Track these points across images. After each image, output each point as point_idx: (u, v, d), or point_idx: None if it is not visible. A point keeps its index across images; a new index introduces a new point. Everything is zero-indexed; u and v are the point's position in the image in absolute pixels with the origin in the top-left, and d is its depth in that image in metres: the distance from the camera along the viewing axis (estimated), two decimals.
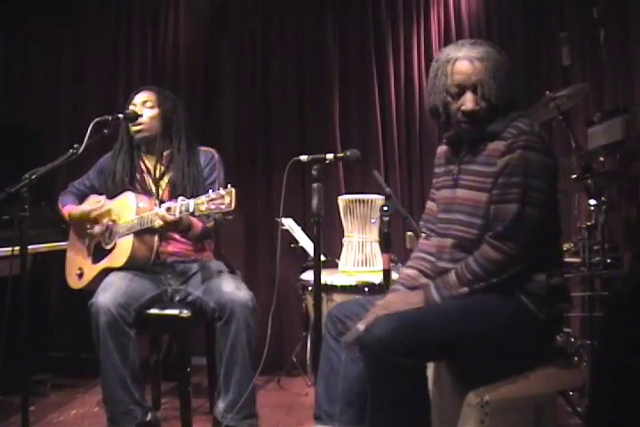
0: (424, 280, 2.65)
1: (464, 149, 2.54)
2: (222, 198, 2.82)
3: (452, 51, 2.46)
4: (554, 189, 2.42)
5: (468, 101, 2.41)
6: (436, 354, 2.34)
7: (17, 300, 2.87)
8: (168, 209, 3.05)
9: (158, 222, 3.09)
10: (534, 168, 2.33)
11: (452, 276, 2.41)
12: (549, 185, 2.37)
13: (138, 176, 3.49)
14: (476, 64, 2.39)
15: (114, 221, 3.36)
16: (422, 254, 2.72)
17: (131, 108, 3.46)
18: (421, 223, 2.81)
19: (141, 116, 3.44)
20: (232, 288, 3.24)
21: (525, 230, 2.33)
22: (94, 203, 3.44)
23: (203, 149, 3.58)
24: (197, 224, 3.31)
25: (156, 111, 3.48)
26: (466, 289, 2.37)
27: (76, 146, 3.02)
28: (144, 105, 3.47)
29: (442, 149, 2.72)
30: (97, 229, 3.43)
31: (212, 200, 2.84)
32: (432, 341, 2.24)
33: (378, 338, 2.19)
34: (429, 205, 2.77)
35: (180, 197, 3.04)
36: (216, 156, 3.56)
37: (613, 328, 2.12)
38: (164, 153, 3.50)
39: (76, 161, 3.13)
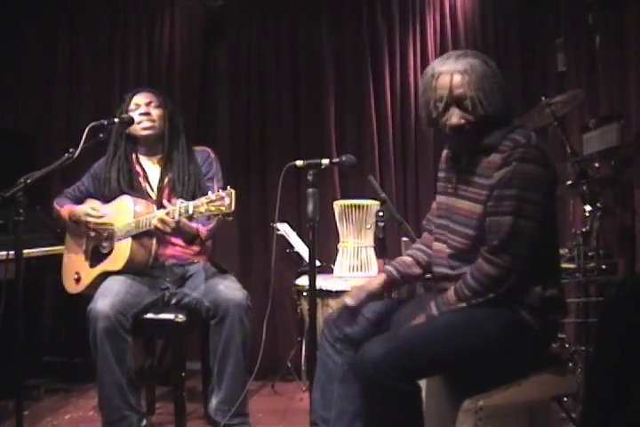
0: (417, 270, 2.71)
1: (464, 159, 2.53)
2: (222, 200, 2.83)
3: (436, 65, 2.44)
4: (551, 200, 2.40)
5: (452, 116, 2.40)
6: (429, 375, 2.36)
7: (11, 304, 2.86)
8: (167, 212, 3.06)
9: (154, 223, 3.10)
10: (530, 180, 2.31)
11: (450, 293, 2.42)
12: (546, 197, 2.35)
13: (134, 182, 3.48)
14: (457, 78, 2.37)
15: (111, 225, 3.36)
16: (423, 247, 2.74)
17: (132, 108, 3.46)
18: (424, 222, 2.82)
19: (149, 114, 3.45)
20: (227, 287, 3.26)
21: (520, 243, 2.32)
22: (94, 209, 3.43)
23: (198, 148, 3.60)
24: (202, 234, 3.33)
25: (162, 112, 3.50)
26: (464, 304, 2.37)
27: (71, 150, 3.02)
28: (150, 105, 3.48)
29: (445, 153, 2.72)
30: (94, 233, 3.42)
31: (211, 202, 2.86)
32: (425, 362, 2.25)
33: (371, 362, 2.20)
34: (434, 205, 2.77)
35: (179, 200, 3.05)
36: (212, 154, 3.59)
37: (608, 334, 2.12)
38: (164, 154, 3.51)
39: (71, 165, 3.13)
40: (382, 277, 2.69)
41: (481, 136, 2.42)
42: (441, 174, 2.70)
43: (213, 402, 3.25)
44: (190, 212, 2.94)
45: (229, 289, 3.25)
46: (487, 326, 2.32)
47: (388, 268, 2.72)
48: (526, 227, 2.31)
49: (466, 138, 2.44)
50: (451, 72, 2.38)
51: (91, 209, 3.41)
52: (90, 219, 3.39)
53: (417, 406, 2.28)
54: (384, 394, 2.20)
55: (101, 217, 3.38)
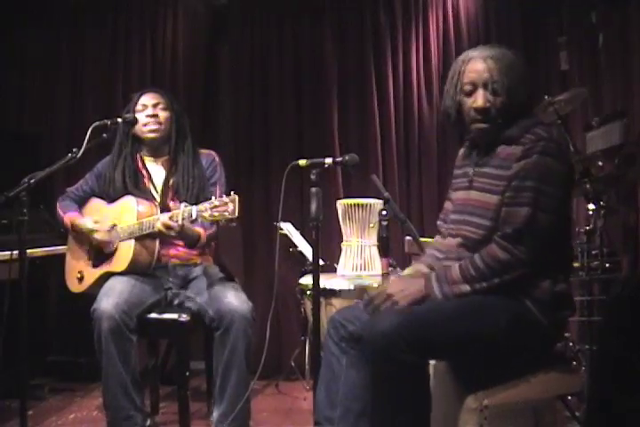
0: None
1: (481, 151, 2.55)
2: (226, 205, 2.83)
3: (469, 52, 2.51)
4: (567, 195, 2.43)
5: (479, 98, 2.43)
6: (438, 351, 2.33)
7: (15, 304, 2.87)
8: (170, 216, 3.06)
9: (158, 227, 3.09)
10: (549, 174, 2.33)
11: (455, 270, 2.40)
12: (562, 192, 2.37)
13: (139, 183, 3.47)
14: (488, 62, 2.42)
15: (114, 225, 3.35)
16: (435, 252, 2.70)
17: (139, 108, 3.44)
18: (438, 223, 2.79)
19: (157, 116, 3.43)
20: (232, 298, 3.22)
21: (535, 235, 2.32)
22: (98, 219, 3.42)
23: (204, 151, 3.58)
24: (203, 238, 3.33)
25: (169, 113, 3.47)
26: (467, 287, 2.36)
27: (74, 150, 3.00)
28: (157, 107, 3.45)
29: (462, 151, 2.73)
30: (98, 235, 3.41)
31: (215, 207, 2.85)
32: (435, 338, 2.25)
33: (382, 333, 2.20)
34: (446, 204, 2.77)
35: (183, 204, 3.04)
36: (217, 158, 3.57)
37: (612, 333, 2.12)
38: (169, 156, 3.50)
39: (75, 165, 3.13)
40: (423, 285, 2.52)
41: (502, 127, 2.43)
42: (456, 171, 2.71)
43: (215, 415, 3.22)
44: (194, 216, 2.93)
45: (235, 301, 3.21)
46: (499, 313, 2.32)
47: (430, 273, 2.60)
48: (543, 220, 2.32)
49: (488, 123, 2.45)
50: (483, 57, 2.44)
51: (93, 224, 3.40)
52: (94, 236, 3.39)
53: (424, 379, 2.29)
54: (391, 366, 2.19)
55: (106, 241, 3.37)
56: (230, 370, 3.17)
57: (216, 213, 2.85)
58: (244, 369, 3.18)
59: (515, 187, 2.36)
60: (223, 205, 2.84)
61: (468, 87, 2.45)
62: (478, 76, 2.43)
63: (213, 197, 2.89)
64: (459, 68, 2.48)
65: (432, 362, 2.43)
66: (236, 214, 2.83)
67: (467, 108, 2.47)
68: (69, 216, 3.51)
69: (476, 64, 2.44)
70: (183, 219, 3.01)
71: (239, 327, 3.14)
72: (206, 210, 2.87)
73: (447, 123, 2.62)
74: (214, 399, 3.25)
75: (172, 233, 3.11)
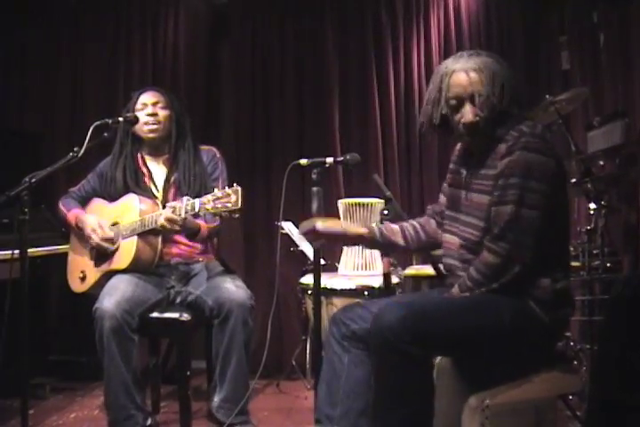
0: (400, 240, 2.73)
1: (476, 153, 2.55)
2: (228, 197, 2.83)
3: (449, 63, 2.47)
4: (555, 190, 2.38)
5: (467, 113, 2.42)
6: (442, 344, 2.33)
7: (17, 303, 2.87)
8: (173, 210, 3.06)
9: (161, 222, 3.09)
10: (532, 169, 2.32)
11: (455, 289, 2.44)
12: (549, 186, 2.34)
13: (140, 182, 3.47)
14: (472, 75, 2.39)
15: (116, 223, 3.35)
16: (416, 224, 2.78)
17: (138, 107, 3.44)
18: (428, 207, 2.84)
19: (157, 115, 3.44)
20: (231, 287, 3.25)
21: (520, 231, 2.32)
22: (101, 221, 3.41)
23: (204, 147, 3.59)
24: (204, 230, 3.33)
25: (169, 112, 3.48)
26: (467, 295, 2.39)
27: (76, 149, 3.01)
28: (156, 105, 3.46)
29: (460, 146, 2.72)
30: (96, 237, 3.41)
31: (218, 199, 2.85)
32: (439, 331, 2.25)
33: (388, 325, 2.21)
34: (441, 198, 2.78)
35: (185, 197, 3.04)
36: (217, 154, 3.58)
37: (613, 332, 2.12)
38: (170, 154, 3.50)
39: (76, 165, 3.13)
40: (363, 230, 2.70)
41: (494, 129, 2.43)
42: (452, 166, 2.72)
43: (215, 400, 3.26)
44: (197, 209, 2.93)
45: (233, 288, 3.24)
46: (501, 310, 2.32)
47: (374, 226, 2.74)
48: (528, 216, 2.32)
49: (476, 137, 2.45)
50: (465, 69, 2.41)
51: (98, 226, 3.38)
52: (94, 236, 3.37)
53: (428, 372, 2.30)
54: (396, 357, 2.20)
55: (106, 239, 3.36)
56: (230, 357, 3.19)
57: (219, 205, 2.85)
58: (244, 356, 3.21)
59: (500, 186, 2.36)
60: (226, 197, 2.84)
61: (453, 102, 2.43)
62: (463, 90, 2.40)
63: (216, 190, 2.89)
64: (441, 81, 2.46)
65: (435, 361, 2.44)
66: (239, 205, 2.83)
67: (454, 122, 2.47)
68: (74, 213, 3.51)
69: (459, 78, 2.41)
70: (186, 212, 3.01)
71: (238, 315, 3.16)
72: (209, 202, 2.87)
73: (428, 128, 2.60)
74: (214, 386, 3.28)
75: (177, 227, 3.11)
